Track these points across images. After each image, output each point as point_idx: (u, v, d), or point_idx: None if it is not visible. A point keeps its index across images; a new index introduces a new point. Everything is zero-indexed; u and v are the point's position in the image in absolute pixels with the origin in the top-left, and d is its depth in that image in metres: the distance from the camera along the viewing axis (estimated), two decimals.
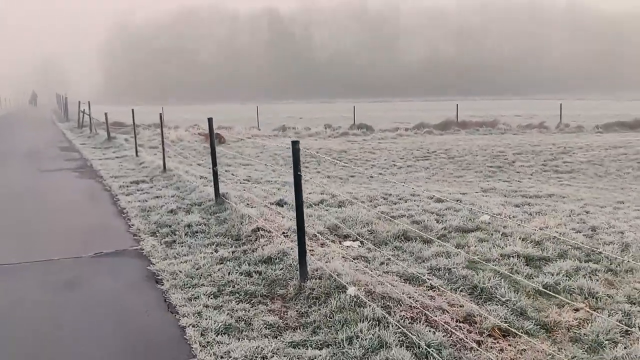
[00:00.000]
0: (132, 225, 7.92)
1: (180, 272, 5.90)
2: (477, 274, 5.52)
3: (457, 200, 9.44)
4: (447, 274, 5.70)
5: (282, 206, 9.10)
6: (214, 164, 8.89)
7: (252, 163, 16.34)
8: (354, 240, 7.15)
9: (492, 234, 7.04)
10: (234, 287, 5.49)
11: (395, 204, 9.52)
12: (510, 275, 5.51)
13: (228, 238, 7.15)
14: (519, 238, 6.68)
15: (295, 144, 5.48)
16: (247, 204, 8.67)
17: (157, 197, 9.71)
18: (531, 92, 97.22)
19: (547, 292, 4.89)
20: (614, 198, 11.20)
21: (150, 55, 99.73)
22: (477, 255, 6.23)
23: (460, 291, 5.24)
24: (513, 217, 8.13)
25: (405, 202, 9.67)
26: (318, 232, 7.15)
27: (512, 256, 6.10)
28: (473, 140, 21.97)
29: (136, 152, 16.02)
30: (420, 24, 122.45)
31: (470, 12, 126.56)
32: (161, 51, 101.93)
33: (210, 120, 8.96)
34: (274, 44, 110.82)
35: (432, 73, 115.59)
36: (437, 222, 7.82)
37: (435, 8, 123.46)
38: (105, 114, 20.61)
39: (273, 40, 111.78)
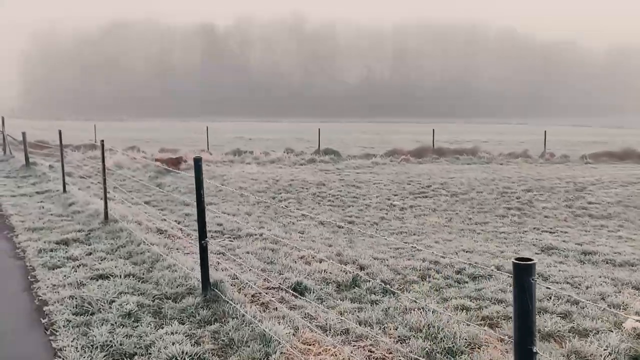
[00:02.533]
0: (62, 354, 4.34)
1: None
2: None
3: (559, 285, 6.40)
4: None
5: (304, 295, 5.77)
6: (203, 235, 5.38)
7: (214, 202, 12.81)
8: None
9: None
10: None
11: (465, 284, 6.41)
12: None
13: None
14: None
15: None
16: (262, 305, 5.27)
17: (102, 276, 6.13)
18: (467, 115, 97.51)
19: None
20: None
21: (77, 69, 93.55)
22: None
23: None
24: None
25: (475, 280, 6.59)
26: None
27: None
28: (464, 172, 19.22)
29: (64, 185, 12.17)
30: (356, 45, 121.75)
31: (406, 33, 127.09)
32: (89, 65, 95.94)
33: (197, 161, 5.50)
34: (209, 61, 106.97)
35: (368, 94, 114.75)
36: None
37: (371, 28, 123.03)
38: (23, 133, 16.53)
39: (208, 57, 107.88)
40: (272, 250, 7.99)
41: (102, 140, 8.75)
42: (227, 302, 5.04)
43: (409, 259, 7.79)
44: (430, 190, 15.35)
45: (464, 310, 5.64)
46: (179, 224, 10.07)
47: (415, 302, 5.85)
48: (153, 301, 5.36)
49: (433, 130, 24.86)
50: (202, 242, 5.20)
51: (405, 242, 9.52)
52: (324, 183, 16.20)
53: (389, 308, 5.60)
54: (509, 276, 7.03)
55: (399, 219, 11.92)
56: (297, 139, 36.54)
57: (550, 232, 10.90)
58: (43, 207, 10.38)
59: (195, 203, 5.43)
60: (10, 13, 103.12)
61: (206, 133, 24.33)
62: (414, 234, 10.41)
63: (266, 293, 5.76)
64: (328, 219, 11.57)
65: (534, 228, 11.34)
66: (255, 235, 9.03)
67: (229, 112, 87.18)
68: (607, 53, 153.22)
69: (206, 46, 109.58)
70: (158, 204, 12.35)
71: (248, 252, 7.85)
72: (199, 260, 6.95)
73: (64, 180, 12.17)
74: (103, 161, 8.89)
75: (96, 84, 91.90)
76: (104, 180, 8.79)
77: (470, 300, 5.95)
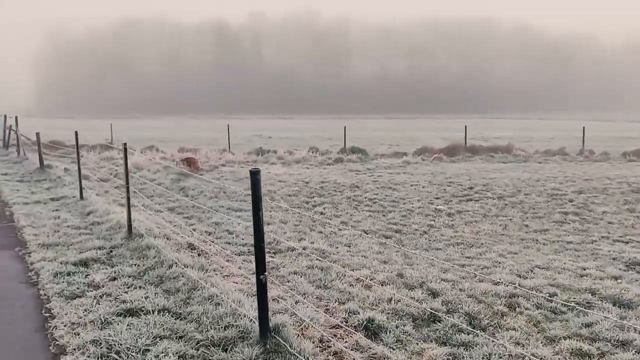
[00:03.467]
0: None
1: None
2: None
3: None
4: None
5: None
6: (261, 268, 4.24)
7: (244, 207, 11.71)
8: None
9: None
10: None
11: (563, 315, 5.29)
12: None
13: None
14: None
15: None
16: (335, 355, 4.16)
17: (130, 311, 5.06)
18: (482, 111, 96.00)
19: None
20: None
21: (90, 68, 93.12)
22: None
23: None
24: None
25: (574, 311, 5.45)
26: None
27: None
28: (504, 172, 17.99)
29: (80, 191, 11.14)
30: (370, 41, 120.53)
31: (419, 29, 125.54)
32: (102, 63, 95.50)
33: (255, 174, 4.36)
34: (221, 58, 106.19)
35: (382, 90, 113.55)
36: None
37: (384, 24, 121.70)
38: (37, 134, 15.53)
39: (220, 54, 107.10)
40: (322, 270, 6.89)
41: (125, 144, 7.69)
42: (295, 355, 3.92)
43: (481, 280, 6.65)
44: (474, 193, 14.15)
45: (587, 358, 4.49)
46: (209, 235, 9.00)
47: (519, 344, 4.72)
48: (197, 350, 4.27)
49: (465, 127, 23.58)
50: (260, 277, 4.08)
51: (468, 257, 8.37)
52: (357, 185, 15.06)
53: (491, 355, 4.47)
54: (615, 305, 5.87)
55: (449, 226, 10.76)
56: (317, 136, 35.43)
57: (625, 242, 9.69)
58: (59, 217, 9.34)
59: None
60: (22, 12, 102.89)
61: (227, 132, 23.19)
62: (472, 246, 9.26)
63: (334, 336, 4.65)
64: (371, 227, 10.45)
65: (603, 237, 10.13)
66: (298, 249, 7.93)
67: (242, 109, 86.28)
68: (624, 48, 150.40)
69: (219, 43, 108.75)
70: (184, 210, 11.29)
71: (295, 273, 6.75)
72: (242, 287, 5.88)
73: (80, 185, 11.13)
74: (126, 167, 7.83)
75: (109, 82, 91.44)
76: (127, 189, 7.73)
77: (586, 342, 4.81)
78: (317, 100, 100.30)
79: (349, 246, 8.75)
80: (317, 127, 48.95)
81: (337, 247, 8.55)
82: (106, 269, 6.40)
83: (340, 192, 14.16)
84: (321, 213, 11.69)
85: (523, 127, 54.42)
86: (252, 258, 7.14)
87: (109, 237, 7.81)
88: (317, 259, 7.35)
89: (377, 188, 14.75)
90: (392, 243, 9.28)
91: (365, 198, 13.41)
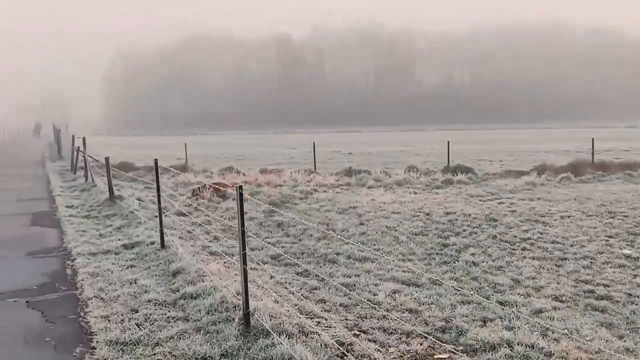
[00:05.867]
0: None
1: None
2: None
3: None
4: None
5: None
6: None
7: (371, 257, 8.83)
8: None
9: None
10: None
11: None
12: None
13: None
14: None
15: None
16: None
17: None
18: (558, 119, 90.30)
19: None
20: None
21: (156, 84, 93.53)
22: None
23: None
24: None
25: None
26: None
27: None
28: None
29: (162, 238, 8.57)
30: (434, 50, 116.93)
31: (485, 36, 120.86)
32: (167, 80, 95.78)
33: None
34: (285, 71, 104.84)
35: (447, 99, 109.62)
36: None
37: (449, 32, 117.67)
38: (107, 159, 13.26)
39: (283, 67, 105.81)
40: None
41: (240, 187, 4.93)
42: None
43: None
44: None
45: None
46: (346, 309, 6.19)
47: None
48: None
49: (592, 139, 20.02)
50: None
51: None
52: (494, 218, 11.95)
53: None
54: None
55: None
56: (401, 152, 32.37)
57: None
58: (136, 282, 6.75)
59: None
60: (92, 29, 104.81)
61: (312, 150, 20.42)
62: None
63: None
64: (558, 290, 7.39)
65: None
66: (479, 343, 4.97)
67: (307, 123, 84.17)
68: None
69: (282, 57, 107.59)
70: (292, 259, 8.54)
71: None
72: None
73: (161, 231, 8.56)
74: (241, 216, 5.07)
75: (175, 98, 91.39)
76: (243, 258, 4.96)
77: None
78: (382, 112, 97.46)
79: (556, 335, 5.72)
80: (392, 140, 45.86)
81: (549, 341, 5.55)
82: None
83: (476, 227, 11.11)
84: (472, 264, 8.69)
85: (617, 137, 49.56)
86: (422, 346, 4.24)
87: (215, 331, 5.09)
88: None
89: (521, 221, 11.60)
90: (619, 323, 6.20)
91: (516, 237, 10.31)
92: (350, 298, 6.71)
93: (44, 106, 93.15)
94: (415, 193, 15.68)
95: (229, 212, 12.36)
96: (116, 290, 6.49)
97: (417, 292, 7.08)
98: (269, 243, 9.71)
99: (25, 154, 34.09)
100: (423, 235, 10.54)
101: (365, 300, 6.52)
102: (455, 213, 12.41)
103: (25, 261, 8.15)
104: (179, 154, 30.75)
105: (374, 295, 6.92)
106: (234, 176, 18.20)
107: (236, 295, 5.67)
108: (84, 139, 17.84)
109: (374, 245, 9.81)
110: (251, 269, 7.84)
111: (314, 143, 20.68)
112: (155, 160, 8.42)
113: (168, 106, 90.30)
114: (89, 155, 18.03)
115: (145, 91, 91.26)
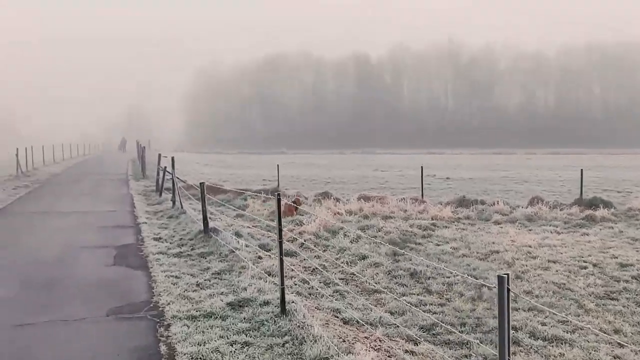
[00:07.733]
0: None
1: None
2: None
3: None
4: None
5: None
6: None
7: (548, 332, 6.40)
8: None
9: None
10: None
11: None
12: None
13: None
14: None
15: None
16: None
17: None
18: None
19: None
20: None
21: (236, 103, 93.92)
22: None
23: None
24: None
25: None
26: None
27: None
28: None
29: (282, 300, 6.45)
30: (517, 70, 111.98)
31: (573, 56, 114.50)
32: (247, 99, 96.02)
33: None
34: (362, 90, 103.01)
35: (530, 121, 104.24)
36: None
37: (534, 52, 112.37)
38: (202, 184, 11.40)
39: (361, 87, 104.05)
40: None
41: None
42: None
43: None
44: None
45: None
46: None
47: None
48: None
49: None
50: None
51: None
52: None
53: None
54: None
55: None
56: (504, 177, 29.38)
57: None
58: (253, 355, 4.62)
59: None
60: (175, 47, 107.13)
61: (420, 174, 17.95)
62: None
63: None
64: None
65: None
66: None
67: (385, 143, 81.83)
68: None
69: (360, 76, 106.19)
70: (451, 333, 6.21)
71: None
72: None
73: (282, 289, 6.42)
74: None
75: (254, 117, 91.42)
76: None
77: None
78: (462, 134, 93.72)
79: None
80: (487, 165, 42.61)
81: None
82: None
83: None
84: None
85: None
86: None
87: None
88: None
89: None
90: None
91: None
92: None
93: (129, 122, 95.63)
94: (559, 233, 12.97)
95: (346, 254, 10.16)
96: None
97: None
98: (409, 304, 7.43)
99: (112, 168, 33.65)
100: (611, 299, 7.96)
101: None
102: (632, 265, 9.69)
103: (106, 325, 6.23)
104: (263, 174, 29.10)
105: None
106: (331, 203, 16.06)
107: None
108: (172, 158, 16.25)
109: (552, 313, 7.33)
110: (406, 351, 5.60)
111: (422, 167, 18.24)
112: (278, 195, 6.32)
113: (247, 124, 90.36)
114: (177, 177, 16.43)
115: (225, 111, 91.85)
